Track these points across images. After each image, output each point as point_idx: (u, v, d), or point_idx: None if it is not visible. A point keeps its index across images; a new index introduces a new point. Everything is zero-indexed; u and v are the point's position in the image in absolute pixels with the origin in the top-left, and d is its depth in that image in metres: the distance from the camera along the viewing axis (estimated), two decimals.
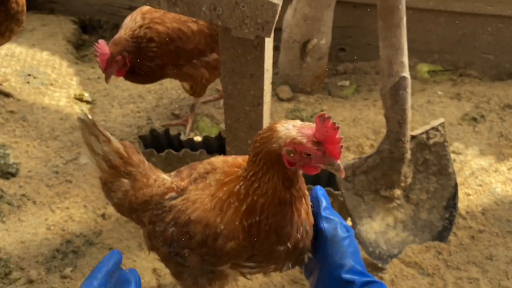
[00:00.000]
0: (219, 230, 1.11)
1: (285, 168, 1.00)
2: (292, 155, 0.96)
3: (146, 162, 1.36)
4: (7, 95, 2.46)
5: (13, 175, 2.10)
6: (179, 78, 2.24)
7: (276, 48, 2.80)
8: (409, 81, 1.53)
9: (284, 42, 2.53)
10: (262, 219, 1.06)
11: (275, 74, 2.76)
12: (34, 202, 2.01)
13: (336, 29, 2.73)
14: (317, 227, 1.12)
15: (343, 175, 0.96)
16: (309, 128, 0.95)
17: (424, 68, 2.75)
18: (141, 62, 2.05)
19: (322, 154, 0.94)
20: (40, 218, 1.95)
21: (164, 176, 1.32)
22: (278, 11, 1.32)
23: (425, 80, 2.70)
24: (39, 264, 1.78)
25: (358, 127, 2.35)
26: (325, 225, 1.09)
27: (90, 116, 1.30)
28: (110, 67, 1.97)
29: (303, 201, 1.09)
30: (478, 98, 2.46)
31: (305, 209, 1.10)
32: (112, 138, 1.33)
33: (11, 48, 2.76)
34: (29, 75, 2.61)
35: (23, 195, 2.03)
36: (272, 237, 1.08)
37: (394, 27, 1.42)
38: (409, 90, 1.55)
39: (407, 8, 2.63)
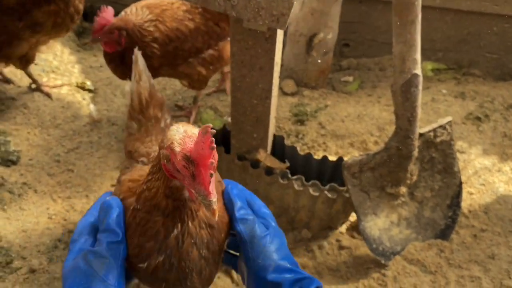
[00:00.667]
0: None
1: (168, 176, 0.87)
2: (166, 161, 0.83)
3: (163, 122, 1.39)
4: (7, 81, 2.42)
5: (14, 162, 2.07)
6: (174, 77, 2.19)
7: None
8: (421, 79, 1.53)
9: (290, 36, 2.51)
10: (139, 209, 0.95)
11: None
12: (36, 191, 1.99)
13: (341, 24, 2.72)
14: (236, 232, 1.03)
15: (215, 217, 0.82)
16: (194, 141, 0.80)
17: (428, 66, 2.75)
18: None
19: (191, 176, 0.80)
20: (41, 207, 1.93)
21: (156, 143, 1.36)
22: (294, 3, 1.31)
23: (429, 78, 2.70)
24: (41, 253, 1.76)
25: (363, 123, 2.35)
26: (241, 227, 1.00)
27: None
28: (102, 34, 1.87)
29: (194, 224, 0.95)
30: (482, 98, 2.47)
31: (200, 232, 0.96)
32: (145, 80, 1.36)
33: None
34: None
35: (24, 183, 2.00)
36: (136, 238, 0.96)
37: (409, 24, 1.41)
38: (420, 87, 1.54)
39: None
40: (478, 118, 2.35)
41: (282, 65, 2.70)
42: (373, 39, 2.84)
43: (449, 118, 1.79)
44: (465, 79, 2.68)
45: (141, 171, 1.11)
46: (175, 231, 0.94)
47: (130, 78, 2.13)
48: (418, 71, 1.50)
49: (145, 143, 1.34)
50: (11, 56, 2.16)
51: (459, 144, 2.24)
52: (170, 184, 0.88)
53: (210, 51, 2.07)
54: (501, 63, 2.72)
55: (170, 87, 2.59)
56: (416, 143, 1.71)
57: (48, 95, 2.38)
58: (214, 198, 0.80)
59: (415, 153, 1.73)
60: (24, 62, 2.24)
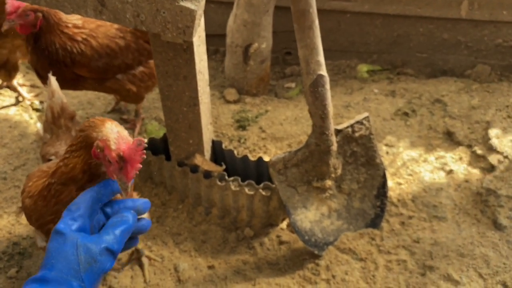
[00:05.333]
0: (26, 188, 1.34)
1: (91, 155, 1.09)
2: (99, 151, 1.05)
3: (73, 132, 1.62)
4: None
5: None
6: (101, 91, 2.24)
7: (224, 53, 2.92)
8: (326, 79, 1.66)
9: (228, 47, 2.65)
10: (54, 182, 1.20)
11: (224, 78, 2.87)
12: None
13: (281, 34, 2.87)
14: None
15: (125, 196, 1.02)
16: (126, 143, 1.03)
17: (363, 68, 2.91)
18: (55, 49, 1.94)
19: (119, 169, 1.02)
20: None
21: (65, 146, 1.55)
22: (197, 16, 1.43)
23: (364, 80, 2.86)
24: None
25: (299, 125, 2.48)
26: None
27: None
28: (17, 16, 1.81)
29: None
30: (411, 94, 2.63)
31: None
32: (57, 96, 1.58)
33: None
34: None
35: None
36: (52, 206, 1.22)
37: (307, 29, 1.54)
38: (327, 86, 1.67)
39: (345, 12, 2.82)
40: (406, 114, 2.51)
41: (224, 74, 2.84)
42: None
43: (365, 114, 1.93)
44: (397, 78, 2.84)
45: (47, 164, 1.37)
46: None
47: (44, 81, 2.06)
48: (323, 72, 1.63)
49: (55, 146, 1.54)
50: None
51: (388, 139, 2.38)
52: (90, 161, 1.10)
53: (141, 68, 2.17)
54: (430, 61, 2.89)
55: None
56: (333, 138, 1.84)
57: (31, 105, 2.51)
58: (130, 184, 1.03)
59: (334, 147, 1.86)
60: (6, 71, 2.29)
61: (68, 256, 0.87)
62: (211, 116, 2.16)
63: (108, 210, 1.03)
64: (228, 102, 2.69)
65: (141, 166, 1.03)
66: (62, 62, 1.98)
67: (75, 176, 1.14)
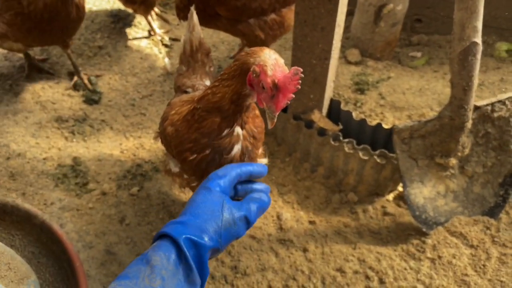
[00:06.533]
0: (169, 116, 1.34)
1: (243, 84, 1.09)
2: (254, 76, 1.03)
3: (207, 67, 1.65)
4: (50, 73, 2.50)
5: (96, 102, 2.35)
6: (230, 33, 2.26)
7: (350, 13, 2.81)
8: (480, 47, 1.52)
9: (359, 5, 2.53)
10: (199, 108, 1.19)
11: (346, 38, 2.78)
12: (112, 128, 2.24)
13: None
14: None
15: (270, 126, 1.04)
16: (283, 71, 1.01)
17: (503, 46, 2.65)
18: None
19: (270, 96, 1.01)
20: (115, 142, 2.18)
21: (203, 80, 1.60)
22: None
23: (502, 59, 2.60)
24: (112, 180, 2.00)
25: (424, 97, 2.34)
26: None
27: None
28: None
29: (240, 129, 1.21)
30: None
31: (245, 141, 1.23)
32: (197, 31, 1.62)
33: None
34: (116, 15, 2.83)
35: (103, 120, 2.26)
36: (192, 133, 1.22)
37: None
38: (478, 56, 1.54)
39: None
40: None
41: (348, 36, 2.74)
42: (447, 16, 2.77)
43: (510, 94, 1.76)
44: None
45: (189, 95, 1.39)
46: (225, 132, 1.19)
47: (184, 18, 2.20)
48: (478, 39, 1.50)
49: (191, 79, 1.58)
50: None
51: None
52: (242, 91, 1.10)
53: (273, 15, 2.16)
54: None
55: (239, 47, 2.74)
56: (470, 114, 1.71)
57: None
58: (277, 114, 1.04)
59: (468, 125, 1.74)
60: (145, 6, 2.46)
61: (215, 212, 0.93)
62: (335, 74, 2.11)
63: (239, 187, 1.07)
64: (349, 62, 2.61)
65: (293, 96, 1.01)
66: (202, 9, 2.07)
67: (222, 106, 1.15)
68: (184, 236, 0.86)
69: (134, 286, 0.80)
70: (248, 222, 0.96)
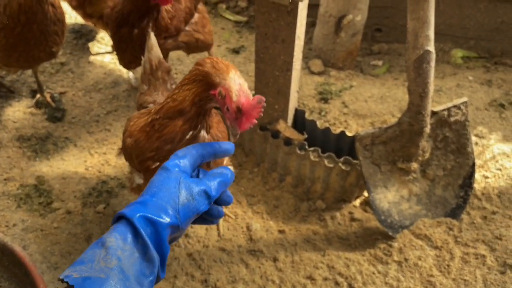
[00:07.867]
0: (127, 128, 1.37)
1: (205, 90, 1.12)
2: (220, 98, 1.09)
3: (168, 84, 1.66)
4: (11, 91, 2.46)
5: (59, 119, 2.31)
6: (176, 49, 2.27)
7: (312, 24, 2.87)
8: (433, 55, 1.59)
9: (320, 17, 2.60)
10: (159, 117, 1.23)
11: (308, 49, 2.83)
12: (76, 145, 2.20)
13: (374, 9, 2.76)
14: None
15: (233, 141, 1.08)
16: (247, 96, 1.07)
17: (458, 53, 2.76)
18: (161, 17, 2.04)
19: (235, 118, 1.07)
20: (80, 159, 2.14)
21: (165, 96, 1.59)
22: None
23: (458, 66, 2.71)
24: (77, 198, 1.97)
25: (385, 104, 2.41)
26: None
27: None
28: None
29: (206, 133, 1.25)
30: (509, 86, 2.47)
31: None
32: (155, 49, 1.63)
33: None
34: (78, 31, 2.80)
35: (67, 138, 2.22)
36: (154, 143, 1.25)
37: (423, 1, 1.47)
38: (432, 64, 1.60)
39: None
40: (502, 105, 2.36)
41: (310, 45, 2.79)
42: (405, 25, 2.85)
43: (464, 99, 1.84)
44: (495, 68, 2.67)
45: (147, 108, 1.43)
46: (189, 135, 1.22)
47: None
48: (431, 47, 1.56)
49: (153, 96, 1.60)
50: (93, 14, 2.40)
51: (479, 129, 2.26)
52: (204, 94, 1.14)
53: (197, 14, 2.20)
54: None
55: None
56: (428, 119, 1.77)
57: None
58: (238, 132, 1.10)
59: (427, 129, 1.80)
60: (105, 23, 2.43)
61: (171, 188, 0.93)
62: (298, 84, 2.14)
63: (202, 171, 1.06)
64: (312, 73, 2.66)
65: (256, 122, 1.07)
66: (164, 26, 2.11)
67: (184, 109, 1.17)
68: (138, 215, 0.86)
69: (90, 269, 0.78)
70: (208, 197, 0.96)
